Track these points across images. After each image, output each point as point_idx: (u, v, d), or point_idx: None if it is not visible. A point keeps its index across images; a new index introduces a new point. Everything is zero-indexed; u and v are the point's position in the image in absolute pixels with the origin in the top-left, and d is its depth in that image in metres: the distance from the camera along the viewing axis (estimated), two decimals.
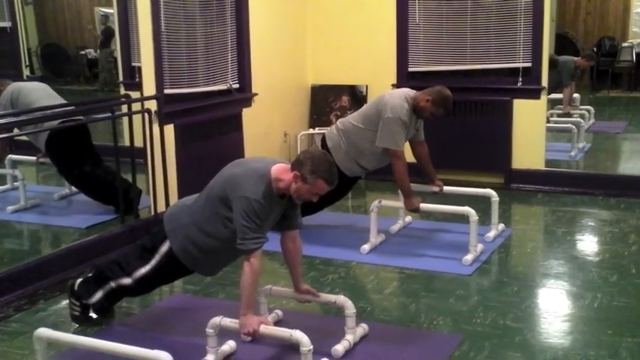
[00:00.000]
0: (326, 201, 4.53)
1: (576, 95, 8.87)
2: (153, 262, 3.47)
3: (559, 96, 8.32)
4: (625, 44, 12.57)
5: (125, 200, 5.14)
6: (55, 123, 4.91)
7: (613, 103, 11.47)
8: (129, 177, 5.14)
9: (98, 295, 3.61)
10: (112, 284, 3.57)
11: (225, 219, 3.24)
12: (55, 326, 3.69)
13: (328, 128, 5.22)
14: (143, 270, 3.48)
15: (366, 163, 4.91)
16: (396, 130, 4.66)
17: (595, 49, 12.03)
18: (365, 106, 5.04)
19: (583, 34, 13.05)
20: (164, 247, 3.43)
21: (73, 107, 5.18)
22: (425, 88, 4.87)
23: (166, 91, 5.14)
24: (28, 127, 5.07)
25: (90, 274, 3.71)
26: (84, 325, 3.71)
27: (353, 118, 4.96)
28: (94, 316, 3.69)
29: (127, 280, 3.53)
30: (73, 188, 5.86)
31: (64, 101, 5.26)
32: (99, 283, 3.62)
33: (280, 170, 3.23)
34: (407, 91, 4.81)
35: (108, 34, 7.54)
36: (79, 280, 3.70)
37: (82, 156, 5.38)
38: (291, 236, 3.48)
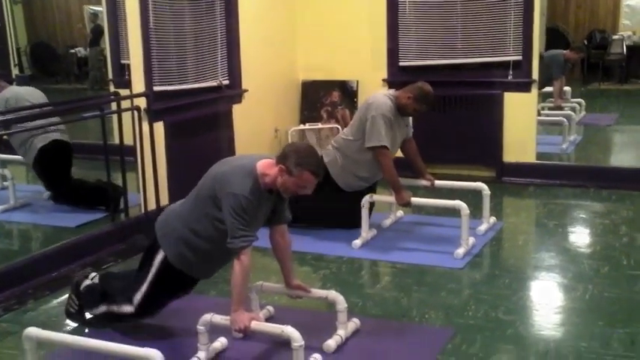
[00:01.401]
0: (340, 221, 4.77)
1: (567, 88, 8.87)
2: (149, 276, 3.40)
3: (550, 89, 8.31)
4: (615, 37, 12.59)
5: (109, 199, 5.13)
6: (48, 141, 4.90)
7: (604, 95, 11.48)
8: (118, 175, 5.11)
9: (100, 310, 3.57)
10: (115, 308, 3.50)
11: (216, 220, 3.21)
12: (45, 326, 3.66)
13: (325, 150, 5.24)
14: (143, 290, 3.41)
15: (364, 173, 4.91)
16: (380, 126, 4.68)
17: (586, 42, 12.05)
18: (352, 119, 5.08)
19: (574, 27, 13.06)
20: (158, 257, 3.37)
21: (62, 107, 5.15)
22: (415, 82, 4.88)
23: (156, 88, 5.11)
24: (16, 140, 5.08)
25: (97, 282, 3.67)
26: (76, 321, 3.69)
27: (344, 133, 5.05)
28: (89, 315, 3.66)
29: (128, 308, 3.45)
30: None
31: None
32: (104, 299, 3.56)
33: (265, 165, 3.22)
34: (389, 91, 4.92)
35: (97, 32, 7.50)
36: (86, 283, 3.66)
37: (67, 170, 5.42)
38: (280, 230, 3.46)
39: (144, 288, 3.41)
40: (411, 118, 5.00)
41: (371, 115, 4.69)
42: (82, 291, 3.64)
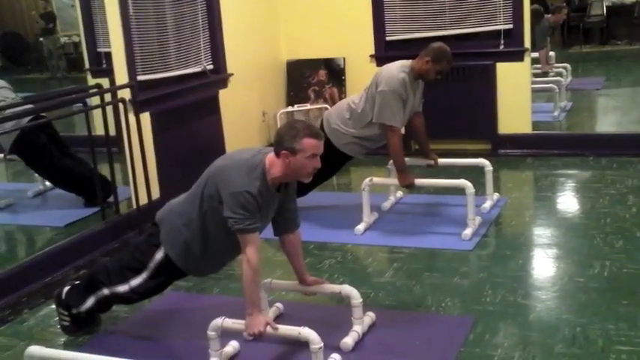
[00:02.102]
0: (318, 179, 4.34)
1: (552, 53, 8.75)
2: (148, 270, 3.23)
3: (535, 55, 8.17)
4: None
5: (93, 192, 4.92)
6: (24, 122, 4.67)
7: (587, 58, 11.40)
8: (105, 167, 4.89)
9: (90, 302, 3.37)
10: (106, 291, 3.32)
11: (219, 218, 3.02)
12: (44, 338, 3.51)
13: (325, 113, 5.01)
14: (139, 279, 3.25)
15: (368, 143, 4.71)
16: (392, 103, 4.46)
17: (564, 5, 11.91)
18: (365, 89, 4.73)
19: None
20: (159, 255, 3.20)
21: (43, 102, 4.91)
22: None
23: (139, 78, 4.90)
24: None
25: (78, 282, 3.48)
26: (74, 335, 3.50)
27: (352, 102, 4.73)
28: (84, 316, 3.47)
29: (122, 288, 3.27)
30: (47, 183, 5.62)
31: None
32: (90, 289, 3.37)
33: (269, 161, 3.03)
34: (403, 62, 4.60)
35: (48, 18, 7.29)
36: (66, 288, 3.48)
37: (49, 149, 5.14)
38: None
39: (143, 276, 3.25)
40: (422, 91, 4.77)
41: (380, 89, 4.46)
42: (65, 298, 3.46)
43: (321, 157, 3.06)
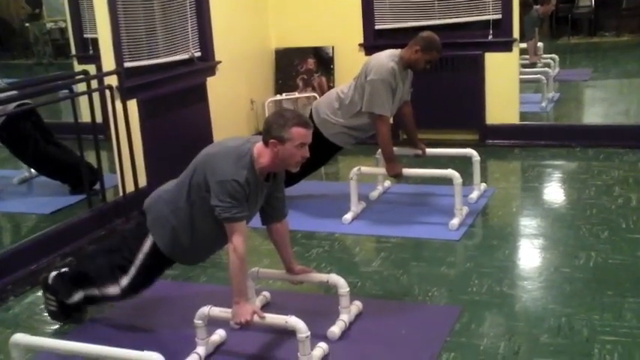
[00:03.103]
0: (307, 169, 4.33)
1: (540, 44, 8.76)
2: (136, 265, 3.21)
3: (523, 46, 8.18)
4: None
5: (79, 179, 4.90)
6: (9, 108, 4.63)
7: (575, 49, 11.43)
8: (92, 155, 4.85)
9: (77, 296, 3.35)
10: (96, 291, 3.30)
11: (207, 207, 3.00)
12: (30, 325, 3.49)
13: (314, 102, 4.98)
14: (129, 276, 3.22)
15: (356, 132, 4.69)
16: (382, 92, 4.44)
17: None
18: (354, 78, 4.70)
19: None
20: (147, 243, 3.18)
21: (29, 88, 4.86)
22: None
23: (126, 65, 4.86)
24: None
25: (66, 270, 3.46)
26: (61, 321, 3.49)
27: (341, 90, 4.71)
28: (71, 305, 3.46)
29: (113, 290, 3.25)
30: (33, 171, 5.57)
31: None
32: (79, 284, 3.35)
33: (257, 150, 3.02)
34: (392, 51, 4.58)
35: (35, 4, 7.24)
36: (53, 274, 3.45)
37: (34, 136, 5.10)
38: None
39: (132, 273, 3.22)
40: (411, 80, 4.76)
41: (370, 78, 4.43)
42: (52, 284, 3.43)
43: (309, 147, 3.05)
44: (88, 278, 3.34)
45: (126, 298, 3.35)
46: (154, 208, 3.20)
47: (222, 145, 3.11)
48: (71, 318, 3.48)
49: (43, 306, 3.53)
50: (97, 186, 4.87)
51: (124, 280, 3.24)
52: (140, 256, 3.21)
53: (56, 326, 3.49)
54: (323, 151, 4.66)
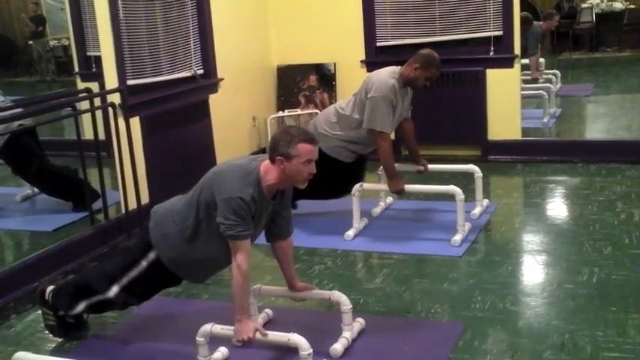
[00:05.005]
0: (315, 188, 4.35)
1: (541, 60, 8.77)
2: (139, 270, 3.21)
3: (525, 61, 8.20)
4: (584, 5, 12.55)
5: (80, 196, 4.91)
6: (13, 126, 4.65)
7: (576, 65, 11.44)
8: (95, 172, 4.86)
9: (80, 307, 3.36)
10: (98, 297, 3.30)
11: (213, 225, 3.00)
12: (32, 343, 3.49)
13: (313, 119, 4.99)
14: (129, 276, 3.22)
15: (356, 147, 4.69)
16: (383, 109, 4.45)
17: (556, 12, 11.96)
18: (354, 94, 4.72)
19: None
20: (151, 255, 3.18)
21: (32, 106, 4.87)
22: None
23: (129, 82, 4.88)
24: None
25: (67, 285, 3.46)
26: (60, 336, 3.49)
27: (340, 107, 4.73)
28: (71, 321, 3.47)
29: (113, 292, 3.25)
30: (35, 188, 5.58)
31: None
32: (81, 295, 3.35)
33: (264, 168, 3.03)
34: (393, 68, 4.60)
35: (38, 21, 7.28)
36: (50, 289, 3.45)
37: (38, 153, 5.12)
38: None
39: (133, 275, 3.22)
40: (410, 97, 4.77)
41: (371, 95, 4.44)
42: (51, 301, 3.42)
43: (316, 164, 3.05)
44: (87, 286, 3.34)
45: (127, 302, 3.34)
46: (160, 225, 3.20)
47: (229, 163, 3.13)
48: (70, 334, 3.47)
49: (44, 324, 3.53)
50: (99, 203, 4.86)
51: (124, 280, 3.23)
52: (144, 263, 3.20)
53: (58, 344, 3.48)
54: (325, 167, 4.66)
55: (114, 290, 3.26)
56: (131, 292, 3.26)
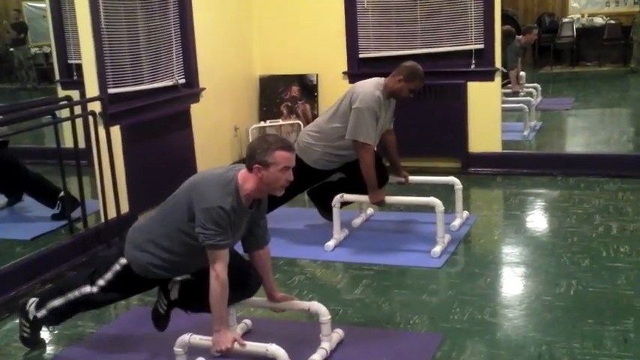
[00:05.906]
0: (290, 194, 4.33)
1: (522, 73, 8.85)
2: (113, 270, 3.20)
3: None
4: (565, 20, 12.69)
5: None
6: None
7: (557, 79, 11.56)
8: (74, 181, 4.84)
9: (56, 302, 3.32)
10: (76, 293, 3.28)
11: (189, 236, 3.00)
12: (7, 353, 3.46)
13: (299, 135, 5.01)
14: (105, 278, 3.22)
15: (337, 159, 4.70)
16: (367, 121, 4.46)
17: (535, 26, 12.06)
18: (336, 104, 4.74)
19: (523, 12, 13.15)
20: (122, 261, 3.18)
21: (12, 115, 4.84)
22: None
23: (110, 91, 4.86)
24: None
25: (44, 292, 3.44)
26: (32, 347, 3.46)
27: (322, 118, 4.77)
28: (45, 327, 3.48)
29: (88, 288, 3.24)
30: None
31: None
32: (57, 294, 3.35)
33: (242, 176, 3.03)
34: (377, 80, 4.62)
35: (20, 29, 7.25)
36: (31, 300, 3.43)
37: (17, 162, 5.12)
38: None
39: (107, 277, 3.22)
40: (393, 109, 4.79)
41: (355, 106, 4.46)
42: (28, 309, 3.40)
43: (293, 171, 3.06)
44: (66, 287, 3.34)
45: (107, 298, 3.32)
46: (131, 237, 3.20)
47: (206, 173, 3.12)
48: (40, 343, 3.49)
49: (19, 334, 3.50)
50: (79, 212, 4.85)
51: (100, 282, 3.23)
52: (117, 266, 3.19)
53: (34, 353, 3.45)
54: (307, 178, 4.68)
55: (90, 287, 3.25)
56: (108, 287, 3.24)
